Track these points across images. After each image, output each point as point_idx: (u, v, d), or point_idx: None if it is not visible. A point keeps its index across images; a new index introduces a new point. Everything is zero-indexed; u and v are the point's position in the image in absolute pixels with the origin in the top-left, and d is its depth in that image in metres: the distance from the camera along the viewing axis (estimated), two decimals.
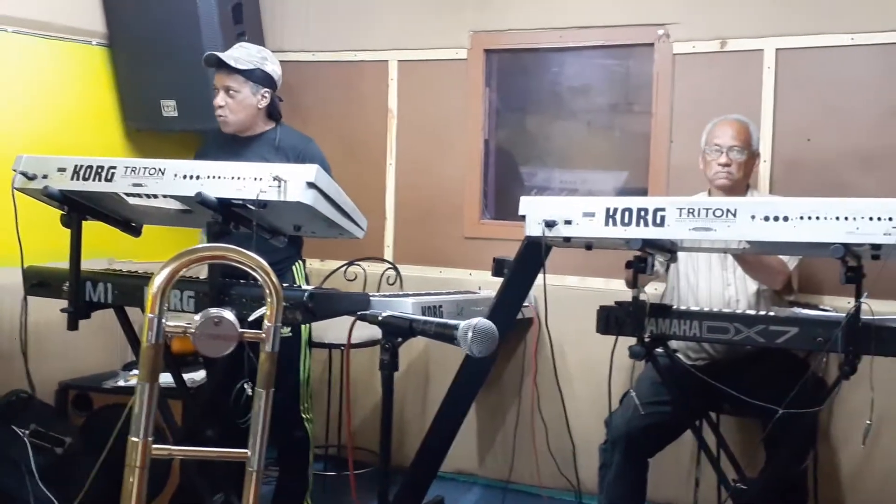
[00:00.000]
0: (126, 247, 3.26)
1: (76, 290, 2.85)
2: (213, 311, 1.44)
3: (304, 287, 2.85)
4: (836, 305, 3.28)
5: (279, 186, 2.54)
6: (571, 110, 4.31)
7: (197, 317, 1.44)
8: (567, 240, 2.63)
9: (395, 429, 3.50)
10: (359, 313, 2.13)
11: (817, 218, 2.29)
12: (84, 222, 2.85)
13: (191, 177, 2.63)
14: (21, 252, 2.83)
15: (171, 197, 2.70)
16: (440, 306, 3.42)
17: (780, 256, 3.10)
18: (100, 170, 2.74)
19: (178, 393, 3.12)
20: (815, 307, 3.39)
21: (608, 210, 2.54)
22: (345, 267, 4.25)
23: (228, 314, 1.46)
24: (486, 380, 3.42)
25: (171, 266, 1.41)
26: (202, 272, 2.87)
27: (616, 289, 3.44)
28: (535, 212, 2.65)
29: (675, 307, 2.77)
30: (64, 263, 2.85)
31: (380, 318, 2.08)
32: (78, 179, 2.76)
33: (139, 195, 2.72)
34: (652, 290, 3.42)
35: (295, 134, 3.46)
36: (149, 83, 4.04)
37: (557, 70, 4.30)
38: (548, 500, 3.85)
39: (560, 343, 3.71)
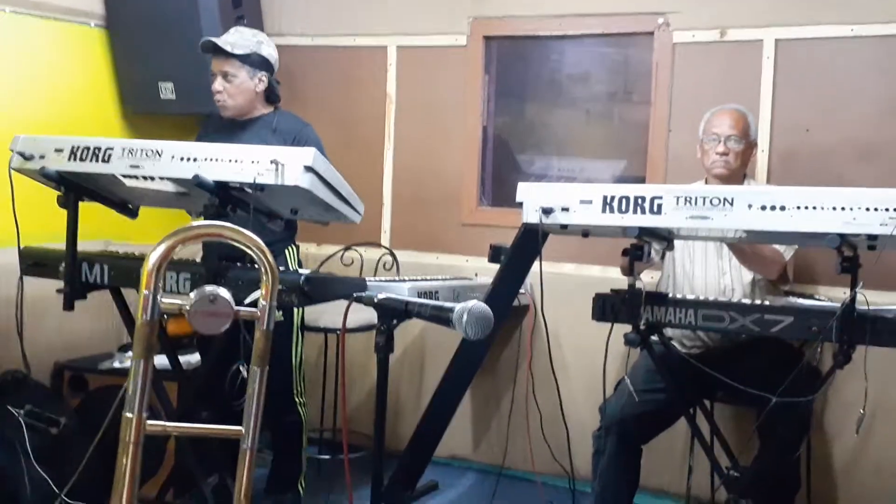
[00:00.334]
0: (123, 228, 3.25)
1: (72, 271, 2.85)
2: (209, 288, 1.45)
3: (301, 270, 2.85)
4: (832, 295, 3.29)
5: (277, 170, 2.54)
6: (570, 98, 4.31)
7: (192, 294, 1.44)
8: (564, 227, 2.63)
9: (390, 413, 3.52)
10: (355, 295, 2.12)
11: (814, 208, 2.29)
12: (81, 203, 2.85)
13: (188, 159, 2.63)
14: (17, 232, 2.82)
15: (168, 179, 2.70)
16: (436, 292, 3.43)
17: (776, 246, 3.10)
18: (97, 151, 2.74)
19: (174, 375, 3.12)
20: (811, 297, 3.40)
21: (605, 198, 2.54)
22: (341, 252, 4.25)
23: (224, 292, 1.46)
24: (481, 366, 3.42)
25: (166, 243, 1.41)
26: (199, 255, 2.87)
27: (612, 276, 3.44)
28: (533, 199, 2.65)
29: (670, 295, 2.78)
30: (61, 244, 2.85)
31: (375, 299, 2.08)
32: (75, 160, 2.76)
33: (136, 177, 2.72)
34: (648, 279, 3.43)
35: (292, 118, 3.46)
36: (147, 65, 4.03)
37: (557, 58, 4.29)
38: (541, 486, 3.86)
39: (555, 330, 3.71)
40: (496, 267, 3.08)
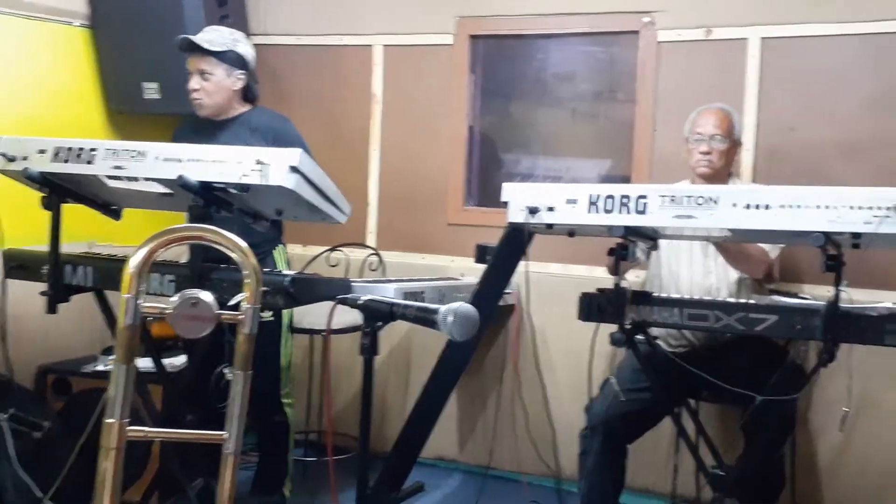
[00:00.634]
0: (107, 230, 3.23)
1: (56, 273, 2.83)
2: (190, 292, 1.44)
3: (286, 272, 2.84)
4: (816, 294, 3.30)
5: (262, 170, 2.52)
6: (556, 97, 4.31)
7: (174, 298, 1.43)
8: (549, 227, 2.63)
9: (376, 414, 3.52)
10: (339, 297, 2.12)
11: (798, 206, 2.29)
12: (64, 205, 2.83)
13: (172, 160, 2.61)
14: (0, 234, 2.79)
15: (152, 180, 2.68)
16: (422, 292, 3.42)
17: (762, 245, 3.11)
18: (80, 152, 2.71)
19: (158, 377, 3.10)
20: (795, 295, 3.41)
21: (591, 197, 2.54)
22: (327, 252, 4.24)
23: (206, 295, 1.45)
24: (467, 366, 3.41)
25: (148, 246, 1.40)
26: (184, 256, 2.85)
27: (598, 276, 3.44)
28: (518, 198, 2.65)
29: (655, 294, 2.78)
30: (44, 246, 2.82)
31: (360, 301, 2.07)
32: (58, 161, 2.73)
33: (120, 178, 2.70)
34: (634, 278, 3.43)
35: (271, 114, 3.46)
36: (131, 65, 4.01)
37: (542, 57, 4.29)
38: (528, 486, 3.86)
39: (542, 330, 3.72)
40: (482, 267, 3.07)
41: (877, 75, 3.51)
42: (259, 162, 2.51)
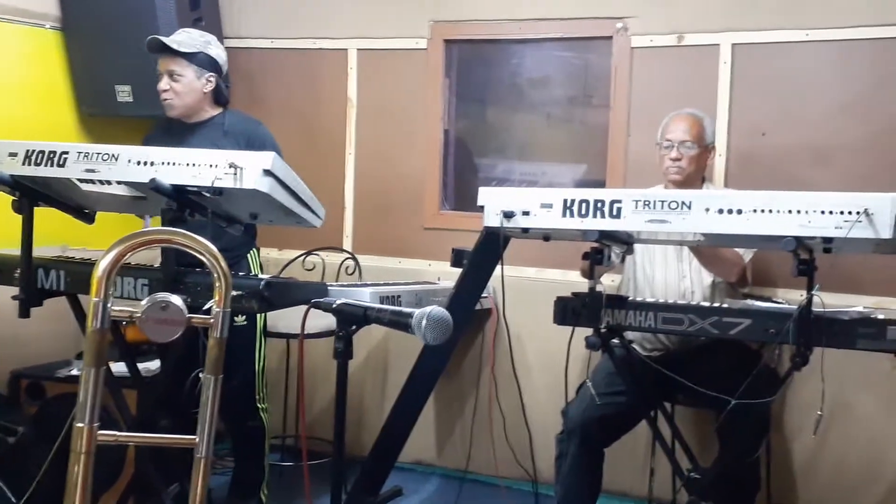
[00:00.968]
0: (80, 234, 3.20)
1: (28, 277, 2.80)
2: (160, 295, 1.42)
3: (261, 276, 2.83)
4: (789, 298, 3.33)
5: (235, 174, 2.51)
6: (531, 102, 4.32)
7: (143, 301, 1.42)
8: (525, 231, 2.64)
9: (353, 419, 3.50)
10: (313, 301, 2.11)
11: (770, 211, 2.31)
12: (36, 208, 2.80)
13: (145, 163, 2.59)
14: None
15: (125, 183, 2.66)
16: (398, 296, 3.41)
17: (736, 249, 3.13)
18: (52, 155, 2.69)
19: (133, 382, 3.08)
20: (769, 299, 3.43)
21: (565, 202, 2.55)
22: (303, 256, 4.23)
23: (176, 299, 1.44)
24: (444, 370, 3.42)
25: (116, 249, 1.39)
26: (158, 260, 2.83)
27: (573, 280, 3.45)
28: (494, 203, 2.65)
29: (630, 298, 2.79)
30: (15, 250, 2.79)
31: (334, 305, 2.06)
32: (30, 164, 2.71)
33: (92, 181, 2.68)
34: (609, 282, 3.44)
35: (243, 117, 3.45)
36: (103, 68, 3.98)
37: (517, 62, 4.30)
38: (505, 490, 3.86)
39: (518, 334, 3.72)
40: (459, 271, 3.08)
41: (846, 81, 3.55)
42: (232, 165, 2.51)
